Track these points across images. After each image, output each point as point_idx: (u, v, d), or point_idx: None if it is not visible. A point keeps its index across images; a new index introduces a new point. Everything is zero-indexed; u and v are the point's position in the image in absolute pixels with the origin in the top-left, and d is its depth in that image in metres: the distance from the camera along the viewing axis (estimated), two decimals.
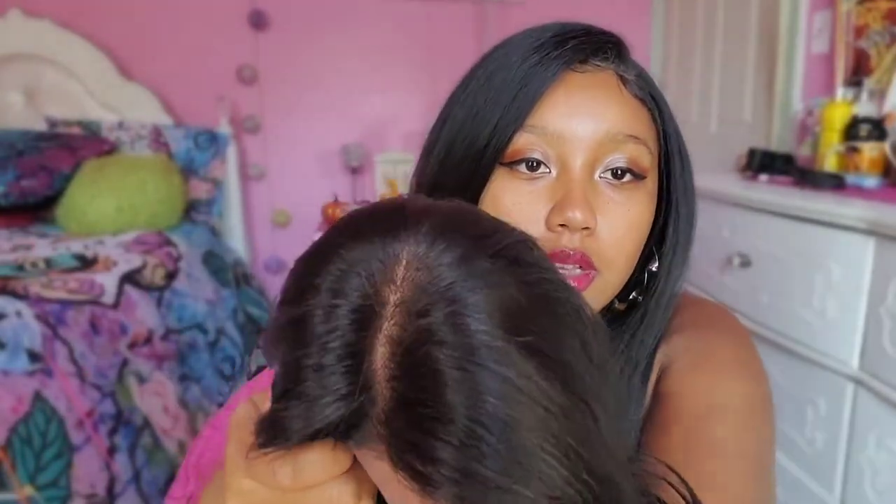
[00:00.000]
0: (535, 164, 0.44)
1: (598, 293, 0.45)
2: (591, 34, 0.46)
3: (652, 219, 0.47)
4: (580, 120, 0.43)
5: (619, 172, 0.44)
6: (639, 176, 0.45)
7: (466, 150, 0.45)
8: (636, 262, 0.47)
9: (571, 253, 0.43)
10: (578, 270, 0.44)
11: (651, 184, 0.47)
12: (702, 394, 0.45)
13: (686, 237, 0.50)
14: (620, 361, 0.48)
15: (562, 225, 0.43)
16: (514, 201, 0.44)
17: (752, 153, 1.51)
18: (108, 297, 1.59)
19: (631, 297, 0.49)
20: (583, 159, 0.43)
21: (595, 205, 0.43)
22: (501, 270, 0.26)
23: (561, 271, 0.40)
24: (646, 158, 0.45)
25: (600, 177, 0.45)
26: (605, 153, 0.44)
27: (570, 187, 0.43)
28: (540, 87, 0.43)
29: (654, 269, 0.49)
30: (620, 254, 0.45)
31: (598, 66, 0.45)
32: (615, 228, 0.44)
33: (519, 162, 0.44)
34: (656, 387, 0.48)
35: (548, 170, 0.44)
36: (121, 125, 2.37)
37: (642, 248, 0.47)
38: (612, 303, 0.49)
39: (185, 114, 2.53)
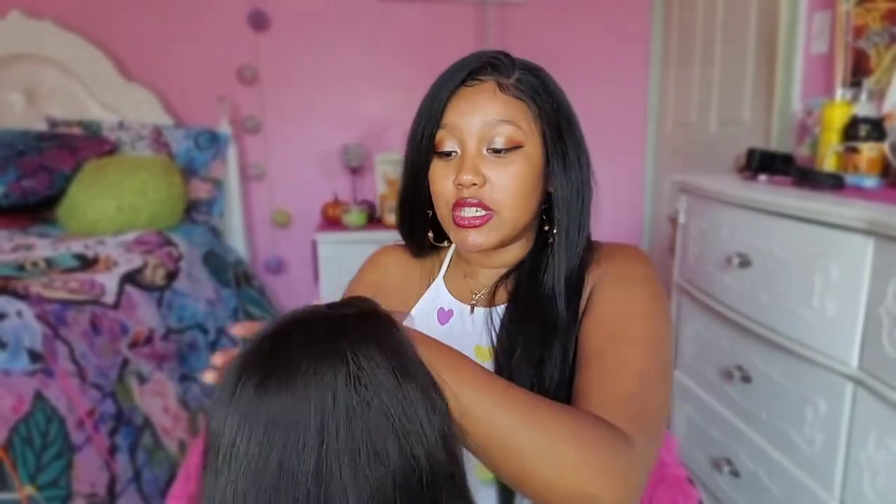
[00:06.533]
0: (448, 153, 0.69)
1: (497, 226, 0.68)
2: (479, 59, 0.68)
3: (536, 174, 0.68)
4: (468, 115, 0.67)
5: (499, 148, 0.66)
6: (514, 147, 0.66)
7: (416, 147, 0.71)
8: (529, 205, 0.68)
9: (468, 199, 0.67)
10: (479, 212, 0.67)
11: (531, 149, 0.67)
12: (619, 303, 0.64)
13: (575, 187, 0.69)
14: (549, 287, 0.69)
15: (460, 185, 0.66)
16: (439, 175, 0.69)
17: (751, 153, 1.51)
18: (109, 297, 1.59)
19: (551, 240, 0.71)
20: (473, 141, 0.67)
21: (485, 169, 0.67)
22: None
23: (466, 214, 0.67)
24: (518, 134, 0.66)
25: (486, 150, 0.67)
26: (487, 135, 0.67)
27: (464, 160, 0.67)
28: (444, 98, 0.68)
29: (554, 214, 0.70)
30: (508, 196, 0.67)
31: (481, 80, 0.68)
32: (500, 180, 0.66)
33: (440, 153, 0.69)
34: (590, 297, 0.67)
35: (457, 152, 0.68)
36: (121, 125, 2.37)
37: (534, 194, 0.68)
38: (541, 238, 0.72)
39: (186, 114, 2.53)
